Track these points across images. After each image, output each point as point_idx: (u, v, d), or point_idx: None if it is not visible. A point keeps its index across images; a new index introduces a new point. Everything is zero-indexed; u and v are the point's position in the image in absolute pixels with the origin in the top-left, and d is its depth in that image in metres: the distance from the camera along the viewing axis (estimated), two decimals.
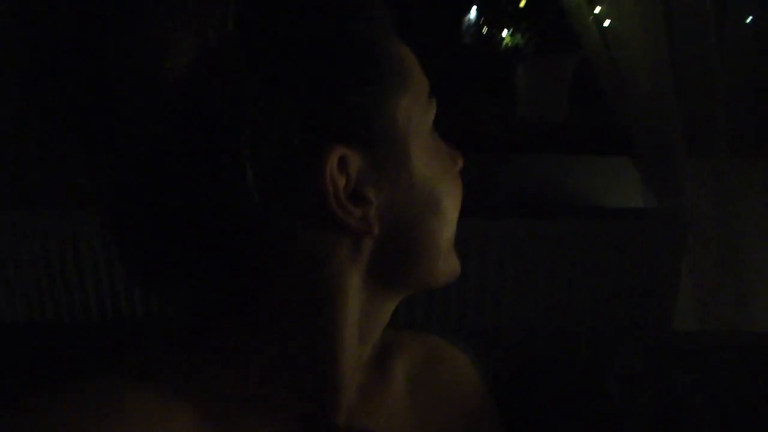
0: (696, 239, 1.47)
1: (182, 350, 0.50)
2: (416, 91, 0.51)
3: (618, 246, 1.55)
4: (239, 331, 0.50)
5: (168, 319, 0.54)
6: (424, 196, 0.52)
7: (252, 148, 0.43)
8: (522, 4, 1.55)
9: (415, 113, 0.51)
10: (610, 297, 1.57)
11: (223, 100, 0.43)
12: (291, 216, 0.46)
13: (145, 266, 0.48)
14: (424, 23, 1.61)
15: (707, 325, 1.47)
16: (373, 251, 0.50)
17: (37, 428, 0.42)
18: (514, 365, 0.61)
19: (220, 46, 0.43)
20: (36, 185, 1.55)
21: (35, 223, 1.57)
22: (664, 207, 1.47)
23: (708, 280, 1.48)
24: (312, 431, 0.52)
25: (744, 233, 1.44)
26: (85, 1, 0.43)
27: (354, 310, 0.51)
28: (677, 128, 1.38)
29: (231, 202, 0.44)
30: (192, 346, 0.50)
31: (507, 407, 0.64)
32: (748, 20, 1.38)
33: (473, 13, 1.65)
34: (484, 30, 1.60)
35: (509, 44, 1.54)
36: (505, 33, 1.55)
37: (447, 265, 0.56)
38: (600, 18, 1.40)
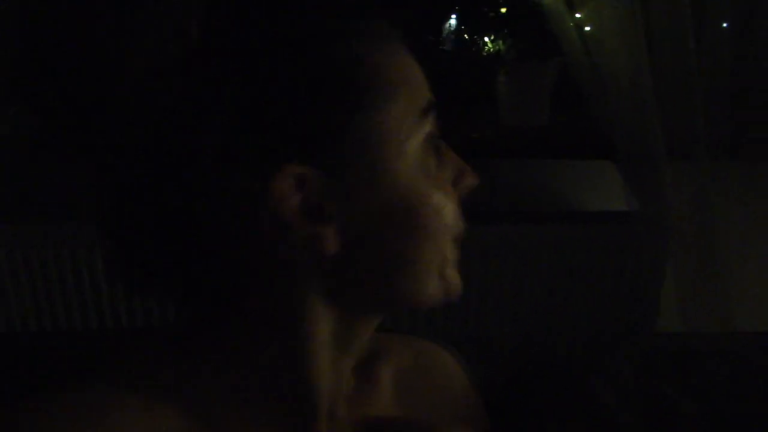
0: (677, 241, 1.49)
1: (172, 359, 0.50)
2: (404, 105, 0.49)
3: (601, 249, 1.56)
4: (222, 340, 0.50)
5: (164, 328, 0.54)
6: (401, 215, 0.49)
7: (202, 167, 0.44)
8: (503, 10, 1.56)
9: (399, 128, 0.49)
10: (594, 300, 1.58)
11: (173, 113, 0.43)
12: (248, 233, 0.46)
13: (125, 266, 0.49)
14: (404, 29, 1.61)
15: (690, 326, 1.48)
16: (336, 270, 0.49)
17: None
18: (508, 371, 0.62)
19: (182, 55, 0.44)
20: (33, 195, 1.54)
21: (32, 233, 1.55)
22: (646, 210, 1.48)
23: (690, 281, 1.50)
24: None
25: (724, 234, 1.46)
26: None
27: (322, 326, 0.50)
28: (658, 132, 1.39)
29: (191, 217, 0.45)
30: (182, 354, 0.50)
31: (501, 413, 0.64)
32: (724, 26, 1.40)
33: (453, 20, 1.66)
34: (465, 36, 1.61)
35: (491, 50, 1.55)
36: (486, 39, 1.56)
37: (434, 286, 0.53)
38: (581, 24, 1.41)
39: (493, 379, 0.65)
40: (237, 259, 0.47)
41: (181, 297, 0.50)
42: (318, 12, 0.47)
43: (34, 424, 0.43)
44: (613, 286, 1.58)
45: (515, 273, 1.57)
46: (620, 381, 0.52)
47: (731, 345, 0.65)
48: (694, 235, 1.46)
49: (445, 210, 0.52)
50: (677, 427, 0.51)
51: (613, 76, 1.38)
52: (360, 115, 0.47)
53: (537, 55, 1.53)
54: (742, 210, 1.46)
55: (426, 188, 0.50)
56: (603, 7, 1.35)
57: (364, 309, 0.53)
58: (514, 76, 1.57)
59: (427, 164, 0.51)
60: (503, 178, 1.59)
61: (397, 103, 0.49)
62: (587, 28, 1.41)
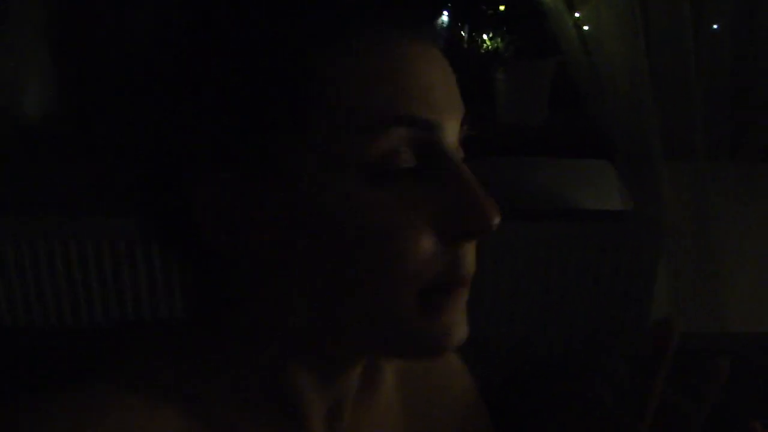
0: (673, 240, 1.49)
1: (172, 358, 0.49)
2: (347, 117, 0.43)
3: (596, 248, 1.56)
4: (222, 340, 0.50)
5: (169, 323, 0.54)
6: (326, 236, 0.44)
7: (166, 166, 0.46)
8: (502, 8, 1.55)
9: (336, 143, 0.43)
10: (589, 298, 1.58)
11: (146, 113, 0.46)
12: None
13: None
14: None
15: (687, 325, 1.48)
16: (287, 282, 0.46)
17: None
18: (504, 370, 0.61)
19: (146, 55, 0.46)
20: (41, 187, 1.53)
21: (39, 225, 1.55)
22: (643, 209, 1.48)
23: (684, 281, 1.50)
24: None
25: (720, 235, 1.46)
26: None
27: (297, 333, 0.49)
28: (655, 132, 1.39)
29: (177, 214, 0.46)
30: (182, 353, 0.50)
31: (499, 413, 0.64)
32: (715, 27, 1.40)
33: (445, 16, 1.65)
34: (463, 33, 1.61)
35: (489, 47, 1.55)
36: (485, 36, 1.55)
37: (393, 332, 0.46)
38: (580, 23, 1.41)
39: (489, 378, 0.65)
40: (228, 259, 0.47)
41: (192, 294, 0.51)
42: (259, 15, 0.44)
43: (34, 425, 0.42)
44: (608, 284, 1.58)
45: (510, 271, 1.57)
46: (617, 380, 0.52)
47: (728, 345, 0.64)
48: (692, 235, 1.46)
49: (399, 243, 0.44)
50: (675, 427, 0.51)
51: (612, 76, 1.38)
52: (293, 130, 0.44)
53: (535, 54, 1.53)
54: (740, 210, 1.47)
55: (369, 213, 0.43)
56: (602, 7, 1.35)
57: (323, 331, 0.49)
58: (512, 74, 1.57)
59: (382, 186, 0.44)
60: (500, 176, 1.58)
61: (334, 114, 0.43)
62: (586, 28, 1.41)
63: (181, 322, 0.53)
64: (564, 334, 1.55)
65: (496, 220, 0.45)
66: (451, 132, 0.47)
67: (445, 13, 1.66)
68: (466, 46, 1.59)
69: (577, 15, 1.41)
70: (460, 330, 0.48)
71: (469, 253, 0.47)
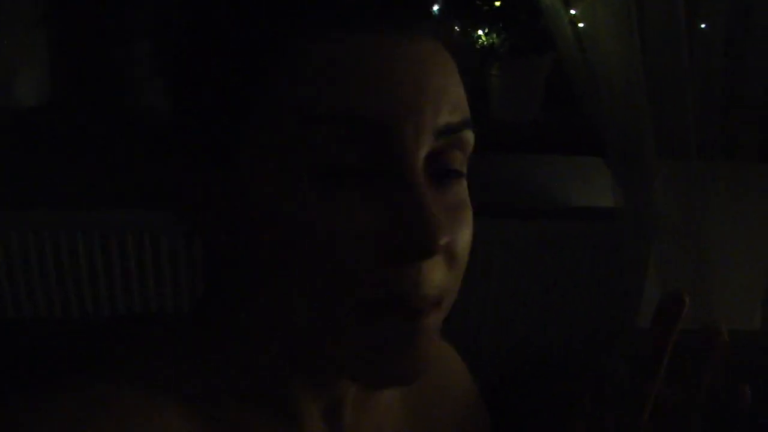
0: (664, 239, 1.49)
1: (172, 357, 0.49)
2: (288, 110, 0.41)
3: (586, 245, 1.57)
4: (223, 340, 0.50)
5: (169, 319, 0.54)
6: (276, 244, 0.42)
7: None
8: (498, 4, 1.55)
9: (277, 135, 0.42)
10: (578, 295, 1.59)
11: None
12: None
13: None
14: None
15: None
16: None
17: None
18: (504, 369, 0.61)
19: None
20: (49, 181, 1.53)
21: (46, 218, 1.54)
22: (634, 207, 1.49)
23: (674, 279, 1.50)
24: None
25: (710, 233, 1.47)
26: None
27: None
28: (648, 131, 1.40)
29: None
30: (182, 352, 0.50)
31: (496, 411, 0.64)
32: (702, 26, 1.40)
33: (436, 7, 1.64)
34: (456, 28, 1.60)
35: (484, 43, 1.54)
36: (480, 32, 1.55)
37: (346, 353, 0.44)
38: (575, 20, 1.41)
39: (485, 377, 0.65)
40: (228, 259, 0.47)
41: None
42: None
43: (34, 424, 0.42)
44: (598, 281, 1.59)
45: (499, 268, 1.57)
46: (617, 380, 0.52)
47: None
48: (682, 234, 1.47)
49: (332, 246, 0.41)
50: (674, 426, 0.51)
51: (606, 74, 1.38)
52: (238, 121, 0.43)
53: (530, 50, 1.52)
54: (732, 209, 1.47)
55: (307, 213, 0.41)
56: (598, 5, 1.35)
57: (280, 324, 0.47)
58: (507, 71, 1.57)
59: (324, 187, 0.41)
60: (492, 172, 1.58)
61: (279, 110, 0.42)
62: (581, 25, 1.41)
63: (181, 320, 0.53)
64: (553, 330, 1.55)
65: (431, 247, 0.41)
66: (414, 137, 0.42)
67: (436, 5, 1.65)
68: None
69: (573, 12, 1.41)
70: (408, 363, 0.44)
71: (418, 271, 0.42)
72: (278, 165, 0.42)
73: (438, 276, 0.43)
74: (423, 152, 0.43)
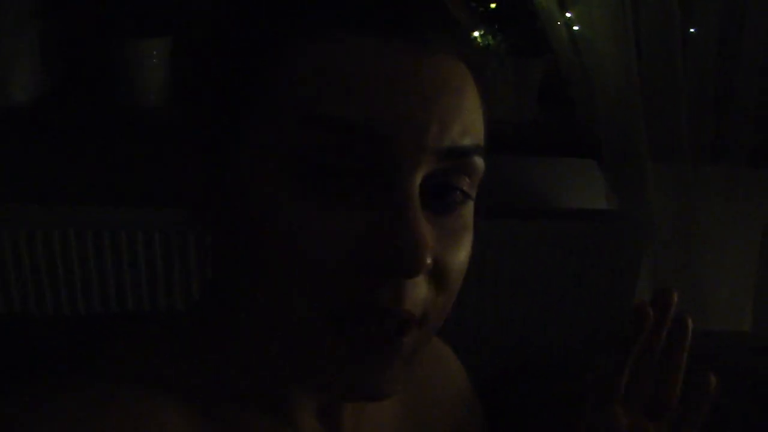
0: (657, 242, 1.50)
1: (171, 357, 0.49)
2: (278, 110, 0.41)
3: (578, 247, 1.57)
4: (223, 339, 0.50)
5: (169, 317, 0.54)
6: (257, 243, 0.43)
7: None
8: (493, 6, 1.56)
9: (267, 134, 0.42)
10: (570, 297, 1.59)
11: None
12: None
13: None
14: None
15: None
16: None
17: None
18: (502, 369, 0.62)
19: None
20: (42, 177, 1.51)
21: (38, 216, 1.52)
22: (627, 209, 1.49)
23: (667, 282, 1.51)
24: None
25: (704, 237, 1.48)
26: None
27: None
28: (642, 133, 1.40)
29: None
30: (182, 352, 0.50)
31: (495, 411, 0.64)
32: (692, 30, 1.41)
33: None
34: None
35: (480, 44, 1.55)
36: (476, 33, 1.56)
37: (317, 360, 0.44)
38: (570, 23, 1.41)
39: (484, 377, 0.65)
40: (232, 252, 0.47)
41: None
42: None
43: (34, 424, 0.42)
44: (590, 283, 1.59)
45: (493, 269, 1.57)
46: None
47: (710, 343, 0.65)
48: (675, 237, 1.48)
49: (309, 248, 0.41)
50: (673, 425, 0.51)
51: (602, 76, 1.39)
52: (234, 116, 0.43)
53: (525, 52, 1.53)
54: (723, 212, 1.48)
55: (287, 213, 0.41)
56: (593, 8, 1.36)
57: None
58: (503, 72, 1.57)
59: (305, 188, 0.41)
60: (486, 173, 1.58)
61: (269, 110, 0.42)
62: (577, 28, 1.41)
63: (178, 318, 0.53)
64: (552, 331, 1.56)
65: (413, 266, 0.40)
66: (413, 154, 0.41)
67: None
68: None
69: (568, 15, 1.41)
70: (379, 379, 0.43)
71: (399, 287, 0.41)
72: (277, 165, 0.41)
73: (421, 294, 0.43)
74: (421, 171, 0.41)
